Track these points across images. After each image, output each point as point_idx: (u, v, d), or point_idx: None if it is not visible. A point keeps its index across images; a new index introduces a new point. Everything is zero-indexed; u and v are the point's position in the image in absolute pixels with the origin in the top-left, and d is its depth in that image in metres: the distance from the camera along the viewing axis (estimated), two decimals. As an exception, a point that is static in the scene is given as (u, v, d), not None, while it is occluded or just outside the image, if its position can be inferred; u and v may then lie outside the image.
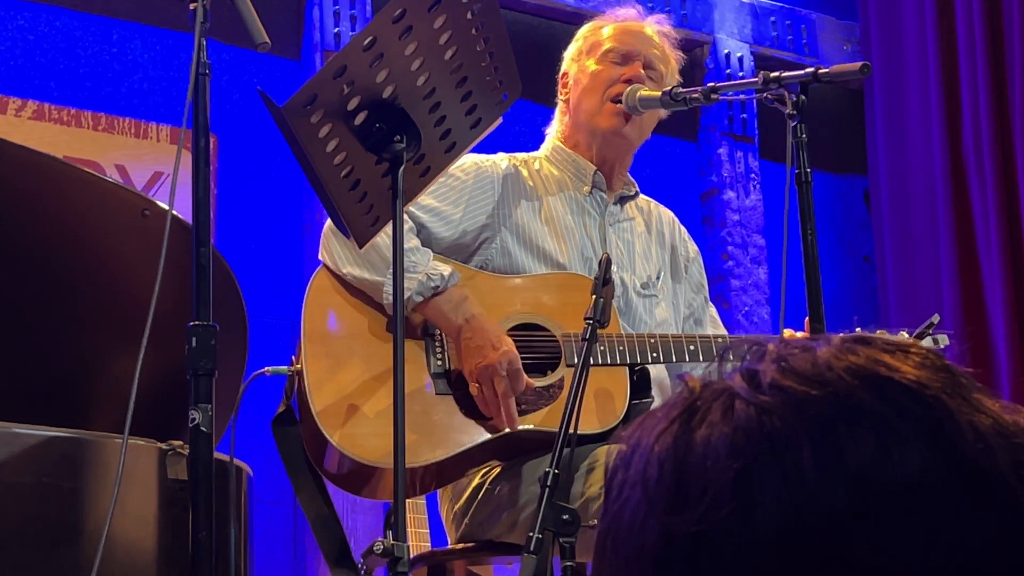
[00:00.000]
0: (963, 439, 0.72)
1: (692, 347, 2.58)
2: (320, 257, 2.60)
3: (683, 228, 2.95)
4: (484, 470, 2.60)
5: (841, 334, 0.78)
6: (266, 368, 2.50)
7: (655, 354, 2.56)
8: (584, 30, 2.86)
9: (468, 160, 2.68)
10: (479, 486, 2.59)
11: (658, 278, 2.78)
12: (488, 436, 2.49)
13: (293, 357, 2.56)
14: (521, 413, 2.51)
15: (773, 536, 0.71)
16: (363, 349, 2.51)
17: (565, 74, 2.84)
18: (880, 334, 0.78)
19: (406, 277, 2.48)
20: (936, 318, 2.63)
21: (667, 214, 2.93)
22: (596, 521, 2.40)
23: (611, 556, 0.78)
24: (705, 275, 2.97)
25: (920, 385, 0.73)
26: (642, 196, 2.89)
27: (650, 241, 2.83)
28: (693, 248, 2.96)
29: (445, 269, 2.53)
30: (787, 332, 2.64)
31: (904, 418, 0.72)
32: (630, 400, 2.54)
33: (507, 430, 2.49)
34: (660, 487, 0.75)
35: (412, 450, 2.43)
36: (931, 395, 0.73)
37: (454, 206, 2.64)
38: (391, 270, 2.46)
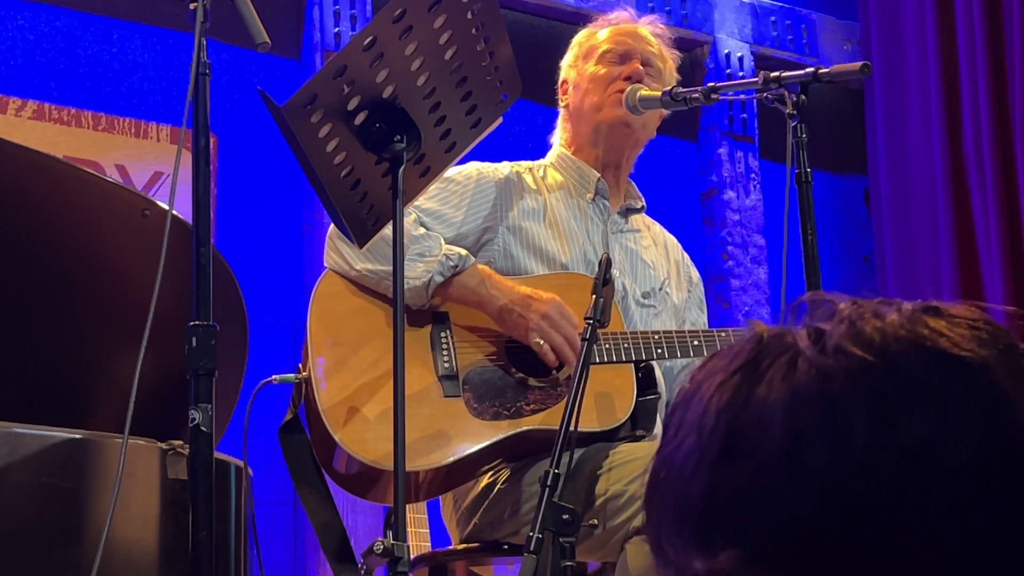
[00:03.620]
0: (1021, 424, 0.73)
1: (696, 342, 2.58)
2: (326, 263, 2.60)
3: (687, 255, 2.98)
4: (492, 470, 2.59)
5: (912, 303, 0.78)
6: (273, 376, 2.50)
7: (660, 350, 2.56)
8: (579, 37, 2.88)
9: (471, 166, 2.70)
10: (489, 486, 2.59)
11: (661, 289, 2.78)
12: (497, 438, 2.49)
13: (300, 364, 2.56)
14: (529, 413, 2.52)
15: (818, 502, 0.72)
16: (370, 353, 2.51)
17: (564, 81, 2.87)
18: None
19: (423, 261, 2.51)
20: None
21: (672, 239, 2.96)
22: (612, 520, 2.40)
23: (661, 495, 0.79)
24: (705, 305, 2.98)
25: (984, 368, 0.74)
26: (648, 217, 2.91)
27: (657, 254, 2.84)
28: (696, 275, 2.98)
29: (460, 250, 2.56)
30: None
31: (963, 400, 0.73)
32: (637, 397, 2.54)
33: (524, 428, 2.49)
34: (713, 438, 0.76)
35: (423, 454, 2.43)
36: (994, 379, 0.74)
37: (455, 209, 2.65)
38: (405, 257, 2.48)
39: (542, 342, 2.50)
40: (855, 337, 0.75)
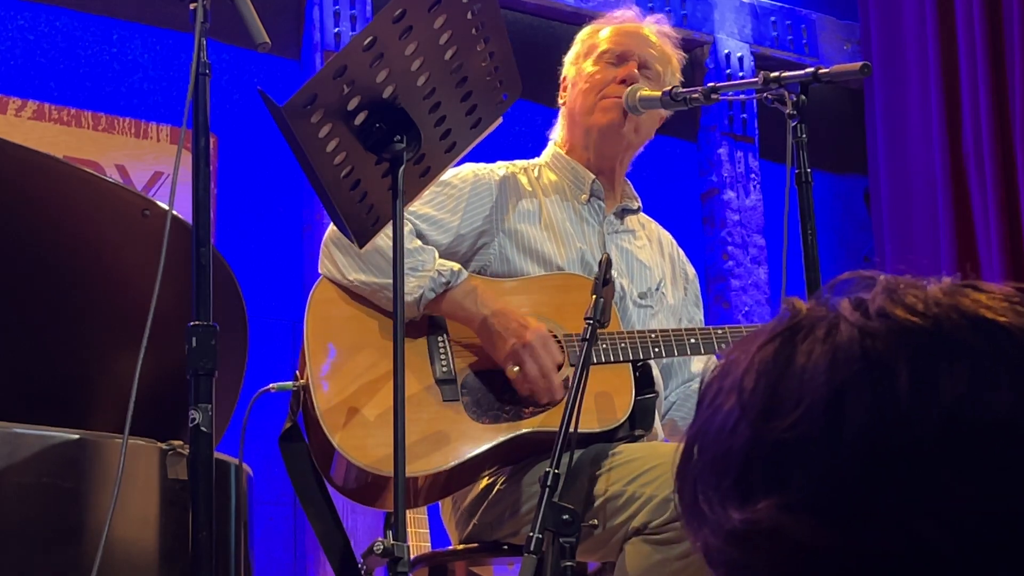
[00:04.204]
0: None
1: (693, 340, 2.58)
2: (321, 271, 2.58)
3: (682, 251, 2.96)
4: (493, 473, 2.59)
5: (949, 278, 0.81)
6: (271, 385, 2.49)
7: (657, 349, 2.56)
8: (582, 34, 2.86)
9: (466, 169, 2.68)
10: (488, 487, 2.58)
11: (657, 289, 2.77)
12: (497, 440, 2.48)
13: (297, 372, 2.55)
14: (529, 415, 2.51)
15: (858, 454, 0.74)
16: (367, 358, 2.51)
17: (565, 78, 2.85)
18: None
19: (415, 276, 2.49)
20: None
21: (667, 235, 2.95)
22: (612, 521, 2.40)
23: (697, 461, 0.81)
24: (701, 301, 2.97)
25: (1021, 331, 0.76)
26: (644, 215, 2.90)
27: (653, 254, 2.83)
28: (692, 271, 2.96)
29: (454, 265, 2.54)
30: None
31: (1001, 359, 0.74)
32: (635, 397, 2.54)
33: (524, 430, 2.49)
34: (755, 395, 0.78)
35: (423, 459, 2.42)
36: None
37: (451, 214, 2.64)
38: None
39: (517, 369, 2.49)
40: (897, 303, 0.77)
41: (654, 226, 2.93)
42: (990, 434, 0.73)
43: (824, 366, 0.76)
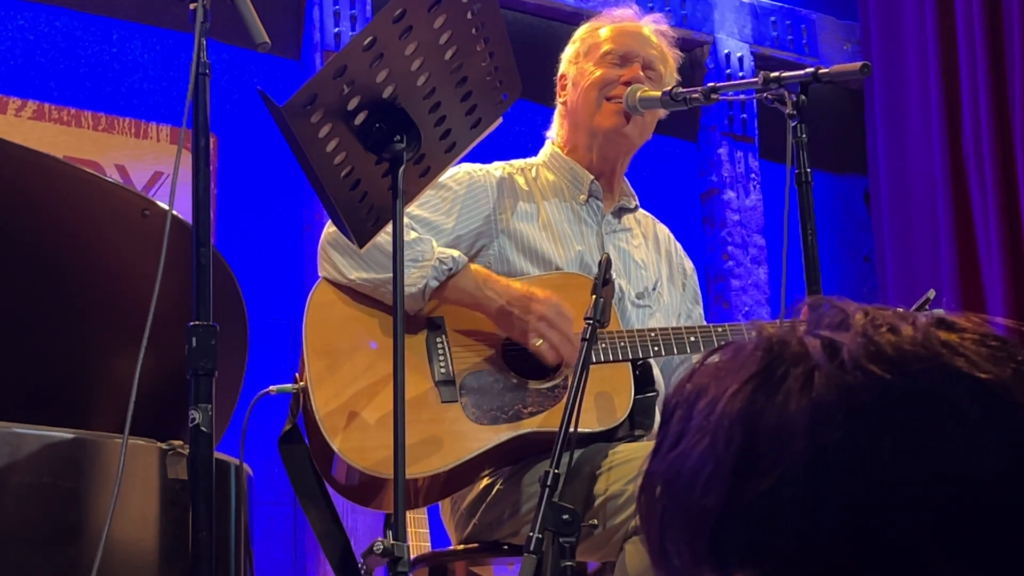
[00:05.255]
0: None
1: (692, 338, 2.57)
2: (320, 273, 2.58)
3: (679, 245, 2.95)
4: (492, 473, 2.59)
5: (926, 315, 0.77)
6: (271, 387, 2.49)
7: (656, 348, 2.56)
8: (581, 32, 2.86)
9: (460, 170, 2.68)
10: (488, 487, 2.58)
11: (654, 288, 2.77)
12: (497, 441, 2.48)
13: (297, 374, 2.55)
14: (528, 416, 2.51)
15: (840, 519, 0.71)
16: (367, 361, 2.50)
17: (563, 76, 2.83)
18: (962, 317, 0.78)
19: (417, 267, 2.49)
20: (932, 293, 2.61)
21: (664, 230, 2.94)
22: (611, 520, 2.40)
23: (666, 500, 0.77)
24: (700, 295, 2.97)
25: (1005, 389, 0.73)
26: (641, 211, 2.89)
27: (649, 252, 2.83)
28: (690, 265, 2.96)
29: (453, 252, 2.54)
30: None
31: (987, 422, 0.72)
32: (634, 396, 2.54)
33: (523, 430, 2.49)
34: (729, 447, 0.74)
35: (422, 459, 2.42)
36: (1014, 399, 0.73)
37: (446, 216, 2.63)
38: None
39: (540, 342, 2.49)
40: (872, 353, 0.73)
41: (650, 222, 2.92)
42: (976, 500, 0.70)
43: (802, 425, 0.72)
